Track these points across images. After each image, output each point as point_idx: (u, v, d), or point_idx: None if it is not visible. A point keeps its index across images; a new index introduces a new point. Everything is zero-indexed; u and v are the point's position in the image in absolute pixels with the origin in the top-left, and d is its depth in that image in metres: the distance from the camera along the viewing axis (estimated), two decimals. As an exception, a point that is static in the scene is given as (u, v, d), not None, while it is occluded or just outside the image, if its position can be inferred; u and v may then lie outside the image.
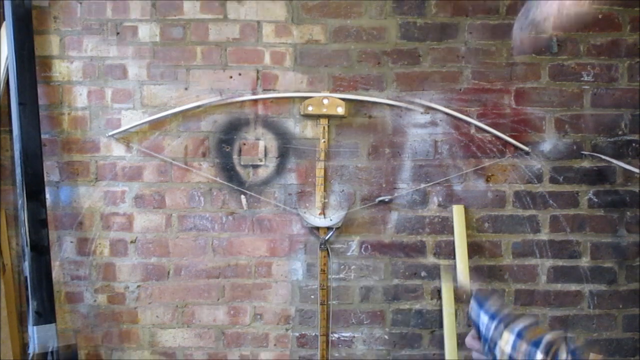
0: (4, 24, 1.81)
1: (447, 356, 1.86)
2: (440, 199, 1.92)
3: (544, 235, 1.93)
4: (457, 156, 1.91)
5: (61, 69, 1.90)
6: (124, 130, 1.89)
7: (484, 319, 0.88)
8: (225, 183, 1.91)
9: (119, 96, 1.91)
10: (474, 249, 1.92)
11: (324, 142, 1.89)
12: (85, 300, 1.94)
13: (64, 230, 1.92)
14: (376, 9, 1.89)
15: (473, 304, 0.92)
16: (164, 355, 1.96)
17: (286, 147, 1.92)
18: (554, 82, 1.88)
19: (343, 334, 1.96)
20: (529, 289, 1.93)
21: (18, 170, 1.76)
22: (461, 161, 1.91)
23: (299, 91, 1.90)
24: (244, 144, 1.92)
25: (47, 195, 1.85)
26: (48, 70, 1.90)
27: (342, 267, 1.94)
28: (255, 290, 1.95)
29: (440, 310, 1.91)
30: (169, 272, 1.94)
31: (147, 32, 1.90)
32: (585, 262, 1.93)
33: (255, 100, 1.90)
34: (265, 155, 1.92)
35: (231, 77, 1.91)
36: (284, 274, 1.94)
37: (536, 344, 0.76)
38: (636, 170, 1.85)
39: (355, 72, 1.90)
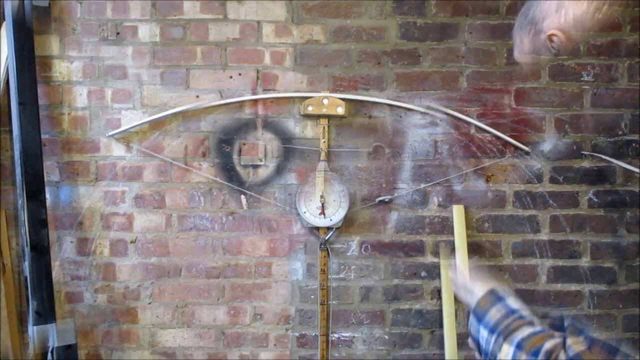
0: (4, 24, 1.81)
1: (447, 356, 1.86)
2: (440, 199, 1.92)
3: (544, 235, 1.93)
4: (457, 156, 1.91)
5: (61, 69, 1.90)
6: (124, 130, 1.89)
7: (483, 333, 0.87)
8: (225, 183, 1.91)
9: (119, 96, 1.91)
10: (474, 249, 1.92)
11: (324, 142, 1.89)
12: (85, 300, 1.93)
13: (64, 230, 1.92)
14: (376, 9, 1.89)
15: (472, 319, 0.91)
16: (164, 355, 1.96)
17: (286, 147, 1.92)
18: (554, 82, 1.88)
19: (343, 334, 1.96)
20: (529, 289, 1.93)
21: (18, 170, 1.76)
22: (461, 161, 1.91)
23: (299, 91, 1.90)
24: (244, 144, 1.92)
25: (47, 195, 1.85)
26: (48, 70, 1.90)
27: (342, 267, 1.94)
28: (255, 290, 1.95)
29: (440, 310, 1.91)
30: (168, 272, 1.94)
31: (147, 32, 1.90)
32: (585, 262, 1.93)
33: (255, 100, 1.90)
34: (265, 155, 1.92)
35: (231, 77, 1.91)
36: (284, 274, 1.94)
37: (535, 354, 0.76)
38: (636, 170, 1.85)
39: (355, 72, 1.90)
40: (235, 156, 1.92)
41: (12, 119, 1.78)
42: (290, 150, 1.92)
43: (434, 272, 1.93)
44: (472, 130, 1.91)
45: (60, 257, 1.92)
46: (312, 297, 1.95)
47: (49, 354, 1.75)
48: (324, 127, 1.89)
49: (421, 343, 1.95)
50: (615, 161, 1.87)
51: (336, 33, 1.90)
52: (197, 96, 1.91)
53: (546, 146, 1.91)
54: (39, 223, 1.75)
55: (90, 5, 1.89)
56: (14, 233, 1.90)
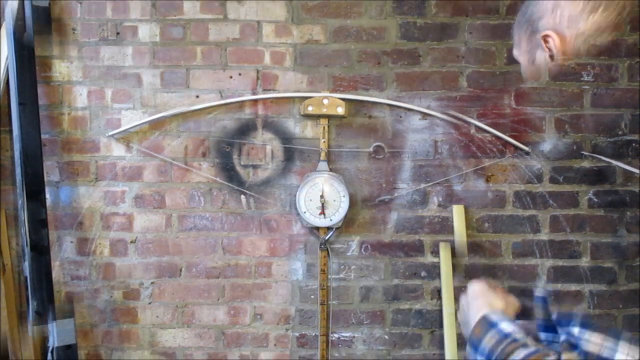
0: (3, 24, 1.81)
1: (447, 356, 1.86)
2: (440, 199, 1.92)
3: (544, 235, 1.93)
4: (457, 156, 1.91)
5: (61, 69, 1.90)
6: (124, 130, 1.89)
7: None
8: (226, 183, 1.91)
9: (119, 96, 1.91)
10: (473, 249, 1.92)
11: (324, 142, 1.89)
12: (85, 301, 1.93)
13: (64, 230, 1.92)
14: (376, 9, 1.89)
15: (468, 349, 0.91)
16: (164, 355, 1.96)
17: (286, 147, 1.92)
18: (554, 82, 1.88)
19: (343, 334, 1.96)
20: (529, 289, 1.93)
21: (18, 170, 1.76)
22: (461, 161, 1.91)
23: (299, 91, 1.90)
24: (244, 144, 1.92)
25: (47, 195, 1.85)
26: (48, 70, 1.90)
27: (342, 267, 1.94)
28: (255, 290, 1.95)
29: (440, 310, 1.91)
30: (168, 272, 1.94)
31: (147, 32, 1.90)
32: (585, 262, 1.93)
33: (255, 100, 1.90)
34: (265, 155, 1.92)
35: (231, 77, 1.91)
36: (284, 274, 1.95)
37: None
38: (635, 170, 1.85)
39: (355, 72, 1.90)
40: (235, 156, 1.92)
41: (12, 119, 1.78)
42: (290, 150, 1.92)
43: (434, 272, 1.93)
44: (472, 130, 1.91)
45: (60, 257, 1.92)
46: (312, 297, 1.95)
47: (49, 354, 1.76)
48: (324, 127, 1.89)
49: (421, 343, 1.95)
50: (614, 162, 1.87)
51: (336, 33, 1.90)
52: (197, 96, 1.91)
53: (546, 146, 1.91)
54: (39, 223, 1.75)
55: (90, 5, 1.89)
56: (14, 233, 1.90)
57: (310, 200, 1.86)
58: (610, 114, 1.90)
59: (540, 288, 0.91)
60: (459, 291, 1.92)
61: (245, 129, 1.92)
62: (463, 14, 1.89)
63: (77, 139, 1.91)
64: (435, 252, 1.92)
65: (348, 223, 1.92)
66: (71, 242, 1.93)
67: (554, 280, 1.92)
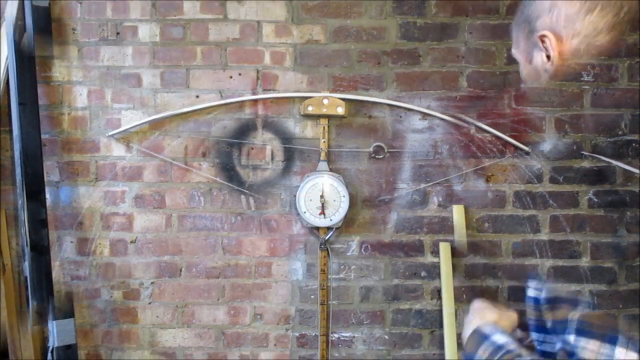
0: (3, 24, 1.81)
1: (447, 356, 1.86)
2: (440, 199, 1.92)
3: (544, 235, 1.93)
4: (457, 156, 1.91)
5: (61, 69, 1.90)
6: (124, 130, 1.89)
7: None
8: (225, 183, 1.91)
9: (119, 96, 1.91)
10: (474, 249, 1.92)
11: (324, 142, 1.89)
12: (85, 301, 1.93)
13: (64, 230, 1.92)
14: (376, 9, 1.89)
15: None
16: (164, 355, 1.96)
17: (286, 147, 1.92)
18: (554, 82, 1.89)
19: (343, 334, 1.96)
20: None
21: (18, 170, 1.76)
22: (461, 161, 1.91)
23: (299, 91, 1.90)
24: (244, 144, 1.92)
25: (47, 195, 1.85)
26: (48, 70, 1.90)
27: (342, 267, 1.94)
28: (255, 290, 1.95)
29: (440, 310, 1.91)
30: (168, 272, 1.94)
31: (147, 32, 1.90)
32: (585, 262, 1.93)
33: (255, 100, 1.90)
34: (265, 155, 1.92)
35: (231, 77, 1.91)
36: (284, 274, 1.95)
37: None
38: (635, 170, 1.85)
39: (355, 72, 1.90)
40: (235, 156, 1.92)
41: (12, 119, 1.78)
42: (290, 150, 1.92)
43: (434, 272, 1.93)
44: (472, 130, 1.91)
45: (60, 257, 1.92)
46: (312, 297, 1.95)
47: (49, 354, 1.76)
48: (324, 127, 1.89)
49: (421, 343, 1.95)
50: (614, 162, 1.87)
51: (336, 33, 1.90)
52: (197, 96, 1.91)
53: (546, 146, 1.91)
54: (39, 223, 1.75)
55: (90, 5, 1.89)
56: (14, 233, 1.90)
57: (310, 200, 1.86)
58: (610, 114, 1.90)
59: (532, 288, 0.91)
60: (459, 291, 1.92)
61: (245, 129, 1.92)
62: (463, 14, 1.89)
63: (77, 139, 1.91)
64: (436, 252, 1.92)
65: (348, 223, 1.92)
66: (71, 242, 1.93)
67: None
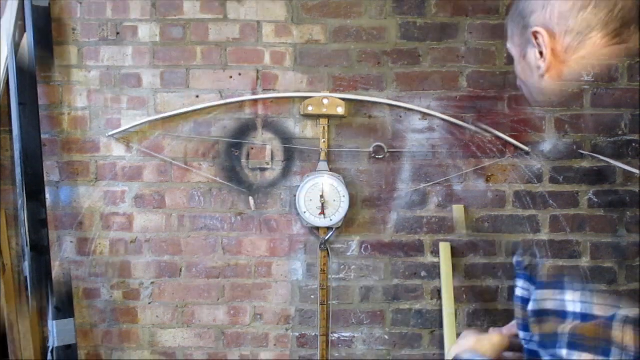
0: (3, 24, 1.81)
1: (447, 356, 1.86)
2: (440, 199, 1.92)
3: (544, 235, 1.93)
4: (457, 156, 1.91)
5: (61, 69, 1.90)
6: (124, 130, 1.89)
7: None
8: (225, 183, 1.91)
9: (119, 96, 1.91)
10: (473, 249, 1.92)
11: (324, 142, 1.89)
12: (85, 301, 1.93)
13: (64, 230, 1.92)
14: (376, 9, 1.89)
15: None
16: (164, 355, 1.96)
17: (286, 147, 1.92)
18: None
19: (343, 334, 1.96)
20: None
21: (18, 170, 1.76)
22: (461, 161, 1.91)
23: (299, 91, 1.90)
24: (244, 144, 1.92)
25: (47, 195, 1.85)
26: (48, 70, 1.90)
27: (342, 267, 1.94)
28: (255, 290, 1.95)
29: (440, 310, 1.91)
30: (168, 272, 1.94)
31: (147, 32, 1.90)
32: (585, 262, 1.93)
33: (255, 100, 1.90)
34: (265, 155, 1.92)
35: (231, 77, 1.91)
36: (284, 274, 1.95)
37: None
38: (635, 170, 1.85)
39: (355, 72, 1.90)
40: (235, 156, 1.92)
41: (12, 119, 1.78)
42: (290, 150, 1.92)
43: (434, 272, 1.93)
44: (472, 131, 1.91)
45: (60, 257, 1.92)
46: (312, 297, 1.95)
47: (49, 354, 1.76)
48: (324, 127, 1.89)
49: (421, 343, 1.95)
50: (612, 161, 1.87)
51: (336, 33, 1.90)
52: (197, 96, 1.91)
53: (546, 146, 1.91)
54: (39, 223, 1.75)
55: (90, 5, 1.89)
56: (14, 233, 1.90)
57: (310, 200, 1.86)
58: (610, 114, 1.90)
59: (519, 287, 0.90)
60: (459, 291, 1.92)
61: (245, 129, 1.92)
62: (463, 14, 1.89)
63: (77, 139, 1.91)
64: (436, 252, 1.92)
65: (348, 223, 1.92)
66: (71, 242, 1.93)
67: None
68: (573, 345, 0.69)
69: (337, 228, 1.91)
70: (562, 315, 0.73)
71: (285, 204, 1.92)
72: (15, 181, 1.85)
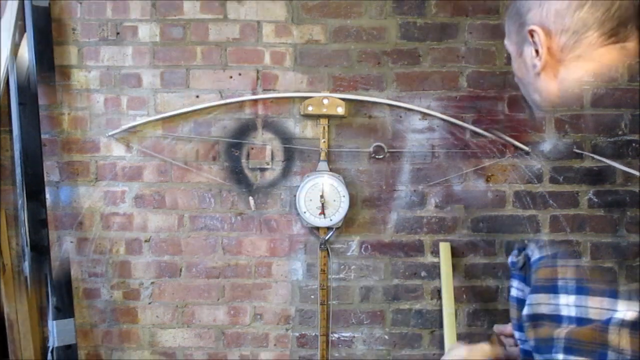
0: (3, 24, 1.81)
1: None
2: (440, 199, 1.92)
3: (544, 235, 1.93)
4: (457, 156, 1.91)
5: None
6: (124, 130, 1.89)
7: None
8: (225, 183, 1.91)
9: (119, 96, 1.90)
10: (473, 249, 1.92)
11: (324, 142, 1.89)
12: (85, 300, 1.93)
13: (64, 230, 1.92)
14: (376, 9, 1.89)
15: None
16: (164, 355, 1.96)
17: (286, 147, 1.92)
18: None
19: (343, 334, 1.96)
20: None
21: (18, 170, 1.76)
22: (461, 161, 1.91)
23: (299, 91, 1.90)
24: (244, 144, 1.92)
25: (47, 195, 1.85)
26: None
27: (342, 267, 1.94)
28: (255, 290, 1.95)
29: (440, 310, 1.91)
30: (168, 272, 1.94)
31: (147, 32, 1.90)
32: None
33: (255, 100, 1.90)
34: (265, 155, 1.92)
35: (231, 77, 1.91)
36: (284, 274, 1.95)
37: None
38: (635, 172, 1.85)
39: (355, 72, 1.90)
40: (235, 156, 1.92)
41: (12, 119, 1.78)
42: (290, 150, 1.92)
43: (434, 272, 1.93)
44: (472, 131, 1.91)
45: (60, 257, 1.92)
46: (312, 297, 1.95)
47: (49, 354, 1.76)
48: (324, 127, 1.89)
49: (421, 343, 1.95)
50: (609, 161, 1.86)
51: (336, 33, 1.90)
52: (197, 96, 1.91)
53: (546, 146, 1.91)
54: (39, 223, 1.75)
55: (90, 5, 1.89)
56: (14, 233, 1.90)
57: (310, 200, 1.86)
58: (610, 114, 1.90)
59: (514, 288, 0.89)
60: (459, 291, 1.92)
61: (245, 129, 1.92)
62: (463, 14, 1.89)
63: (77, 139, 1.91)
64: (435, 252, 1.92)
65: (348, 223, 1.92)
66: (71, 242, 1.93)
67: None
68: (569, 350, 0.68)
69: (337, 228, 1.91)
70: (557, 319, 0.71)
71: (285, 204, 1.92)
72: (15, 181, 1.85)
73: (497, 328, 0.95)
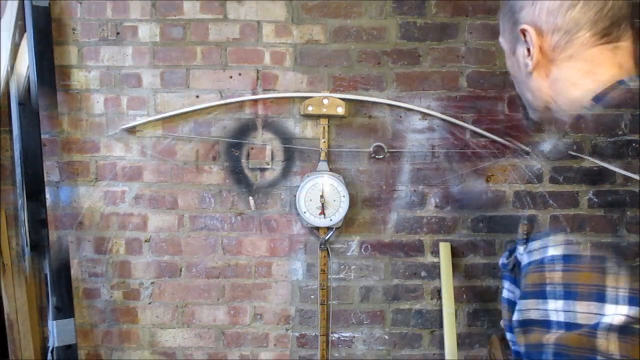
0: (3, 24, 1.81)
1: (447, 356, 1.86)
2: (440, 199, 1.92)
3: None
4: (457, 156, 1.91)
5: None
6: (124, 130, 1.89)
7: None
8: (225, 182, 1.91)
9: (119, 96, 1.90)
10: (473, 249, 1.92)
11: (324, 142, 1.89)
12: (86, 300, 1.93)
13: (64, 230, 1.92)
14: (376, 9, 1.89)
15: None
16: (164, 355, 1.96)
17: (286, 147, 1.92)
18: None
19: (343, 334, 1.96)
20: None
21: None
22: (461, 161, 1.91)
23: (299, 91, 1.90)
24: (244, 144, 1.92)
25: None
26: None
27: (342, 267, 1.94)
28: (255, 290, 1.95)
29: (440, 310, 1.91)
30: (168, 272, 1.94)
31: (147, 32, 1.90)
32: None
33: (255, 100, 1.90)
34: (265, 155, 1.92)
35: (231, 77, 1.91)
36: (284, 274, 1.95)
37: None
38: (634, 176, 1.85)
39: (355, 72, 1.90)
40: (235, 156, 1.92)
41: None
42: (290, 150, 1.92)
43: (434, 272, 1.93)
44: (472, 131, 1.91)
45: (60, 257, 1.92)
46: (312, 297, 1.95)
47: (49, 354, 1.76)
48: (324, 127, 1.89)
49: (421, 343, 1.95)
50: (605, 164, 1.86)
51: (336, 33, 1.90)
52: (197, 96, 1.91)
53: (546, 146, 1.91)
54: (39, 223, 1.75)
55: (90, 5, 1.89)
56: (14, 233, 1.90)
57: (310, 200, 1.86)
58: (610, 114, 1.90)
59: (505, 289, 0.89)
60: (459, 291, 1.92)
61: (245, 129, 1.92)
62: (463, 14, 1.89)
63: (77, 139, 1.91)
64: (435, 252, 1.92)
65: (348, 223, 1.92)
66: (71, 242, 1.92)
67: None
68: (558, 355, 0.68)
69: (337, 228, 1.91)
70: (546, 325, 0.71)
71: (285, 204, 1.92)
72: (15, 181, 1.85)
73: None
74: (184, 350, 1.96)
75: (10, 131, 1.82)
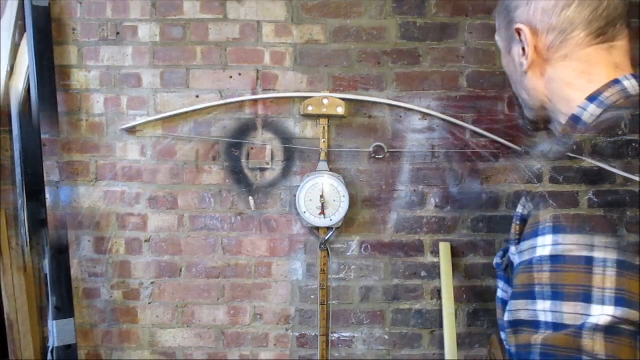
0: (3, 24, 1.81)
1: (447, 356, 1.86)
2: (440, 199, 1.92)
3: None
4: (456, 156, 1.91)
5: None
6: (124, 130, 1.89)
7: None
8: (225, 182, 1.91)
9: (119, 96, 1.90)
10: (473, 249, 1.92)
11: (324, 142, 1.89)
12: (86, 300, 1.93)
13: (64, 230, 1.92)
14: (376, 9, 1.89)
15: None
16: (164, 355, 1.96)
17: (286, 147, 1.92)
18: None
19: (343, 334, 1.96)
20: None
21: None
22: (461, 161, 1.91)
23: (299, 91, 1.90)
24: (244, 144, 1.92)
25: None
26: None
27: (342, 267, 1.94)
28: (255, 290, 1.95)
29: (440, 310, 1.91)
30: (168, 272, 1.94)
31: (147, 32, 1.90)
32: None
33: (255, 100, 1.90)
34: (265, 155, 1.92)
35: (231, 77, 1.91)
36: (284, 274, 1.95)
37: None
38: (635, 178, 1.84)
39: (355, 72, 1.90)
40: (235, 156, 1.92)
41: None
42: (290, 150, 1.92)
43: (434, 272, 1.93)
44: (471, 131, 1.91)
45: (60, 257, 1.92)
46: (312, 297, 1.95)
47: (49, 354, 1.76)
48: (324, 127, 1.89)
49: (421, 343, 1.95)
50: (602, 165, 1.86)
51: (336, 33, 1.90)
52: (197, 96, 1.91)
53: (546, 146, 1.91)
54: (39, 223, 1.75)
55: (90, 5, 1.89)
56: (14, 233, 1.90)
57: (310, 200, 1.86)
58: (610, 115, 1.90)
59: (500, 289, 0.90)
60: (459, 291, 1.92)
61: (245, 129, 1.92)
62: (463, 14, 1.89)
63: (77, 139, 1.91)
64: (435, 252, 1.92)
65: (348, 223, 1.92)
66: (71, 242, 1.92)
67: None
68: (545, 355, 0.68)
69: (337, 228, 1.91)
70: (535, 325, 0.71)
71: (285, 204, 1.92)
72: (15, 181, 1.85)
73: None
74: (184, 350, 1.96)
75: (10, 131, 1.82)
